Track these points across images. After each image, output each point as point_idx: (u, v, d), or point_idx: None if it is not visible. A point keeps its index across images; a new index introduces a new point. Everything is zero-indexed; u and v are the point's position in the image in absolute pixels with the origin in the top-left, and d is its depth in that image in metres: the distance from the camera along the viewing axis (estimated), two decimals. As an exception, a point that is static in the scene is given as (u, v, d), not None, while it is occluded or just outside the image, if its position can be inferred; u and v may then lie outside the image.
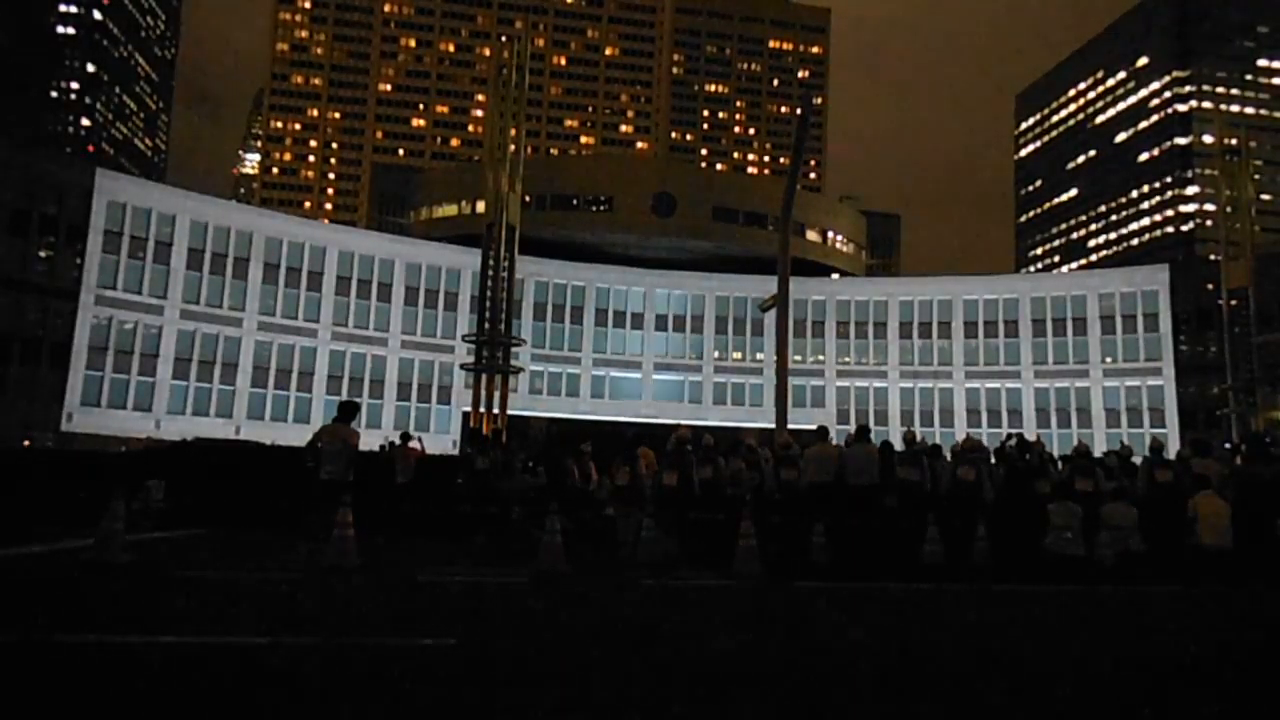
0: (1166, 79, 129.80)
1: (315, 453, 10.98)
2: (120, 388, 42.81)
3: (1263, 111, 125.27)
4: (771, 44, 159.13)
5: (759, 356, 55.66)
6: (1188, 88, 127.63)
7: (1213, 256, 60.83)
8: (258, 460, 18.34)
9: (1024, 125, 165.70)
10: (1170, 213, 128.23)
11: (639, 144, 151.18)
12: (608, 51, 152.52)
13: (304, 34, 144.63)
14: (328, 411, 47.04)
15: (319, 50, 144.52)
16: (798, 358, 53.16)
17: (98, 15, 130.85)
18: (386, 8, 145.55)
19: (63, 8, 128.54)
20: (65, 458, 21.42)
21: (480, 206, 46.63)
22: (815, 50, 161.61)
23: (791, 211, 21.72)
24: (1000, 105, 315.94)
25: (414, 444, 15.71)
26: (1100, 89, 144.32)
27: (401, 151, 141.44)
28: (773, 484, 12.48)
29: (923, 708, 4.89)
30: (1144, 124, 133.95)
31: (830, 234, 64.49)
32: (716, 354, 56.70)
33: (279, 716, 4.33)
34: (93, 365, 41.86)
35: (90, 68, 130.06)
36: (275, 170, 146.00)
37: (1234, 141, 51.75)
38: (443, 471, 16.13)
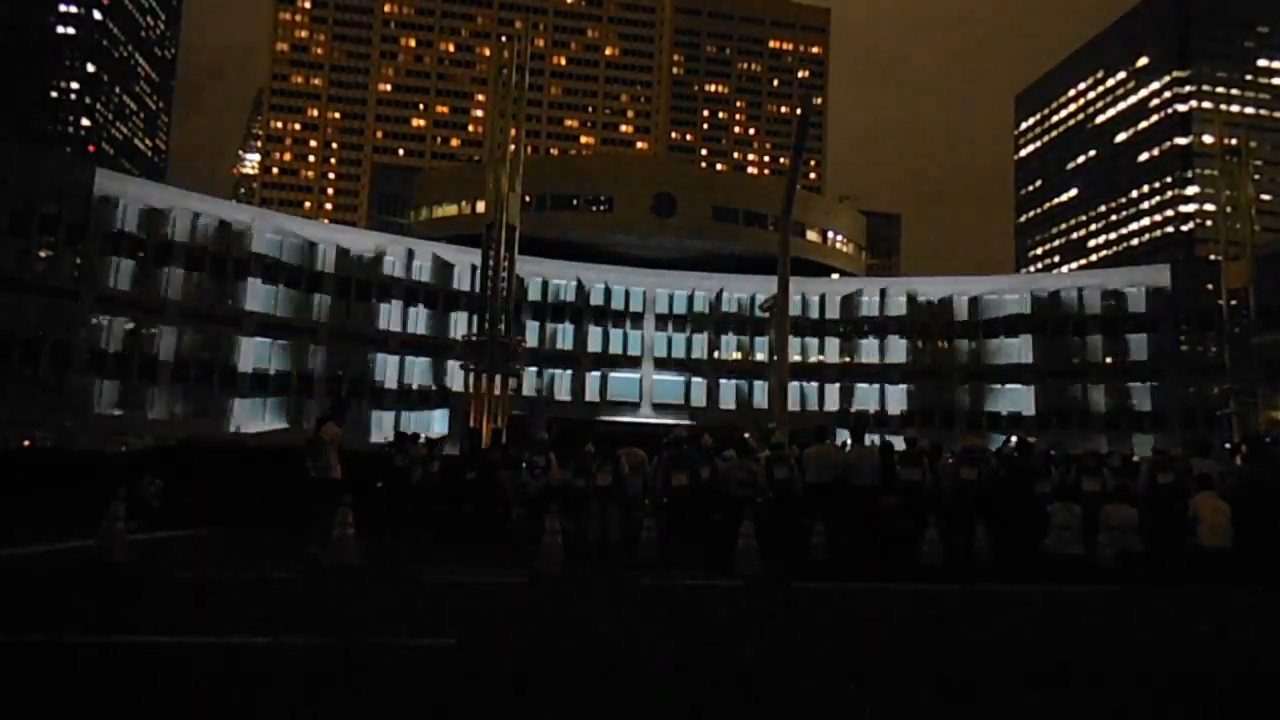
0: (1166, 79, 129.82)
1: (310, 453, 11.11)
2: (120, 388, 42.78)
3: (1263, 111, 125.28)
4: (771, 44, 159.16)
5: (759, 357, 55.66)
6: (1188, 88, 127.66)
7: (1213, 256, 60.83)
8: (257, 460, 18.33)
9: (1024, 125, 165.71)
10: (1170, 213, 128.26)
11: (639, 144, 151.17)
12: (608, 51, 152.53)
13: (304, 34, 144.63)
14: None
15: (319, 50, 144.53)
16: (798, 358, 53.20)
17: (98, 15, 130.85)
18: (386, 8, 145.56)
19: (63, 8, 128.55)
20: (65, 458, 21.38)
21: (480, 206, 46.61)
22: (815, 50, 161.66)
23: (791, 211, 21.73)
24: (1000, 105, 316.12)
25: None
26: (1100, 89, 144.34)
27: (401, 151, 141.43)
28: (765, 483, 12.46)
29: (921, 707, 4.89)
30: (1144, 124, 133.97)
31: (830, 234, 64.53)
32: (717, 354, 56.71)
33: (279, 716, 4.33)
34: (93, 366, 41.83)
35: (90, 68, 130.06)
36: (275, 170, 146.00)
37: (1234, 141, 51.68)
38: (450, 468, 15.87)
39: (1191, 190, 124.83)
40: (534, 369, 52.03)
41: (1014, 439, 14.51)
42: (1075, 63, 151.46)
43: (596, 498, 12.69)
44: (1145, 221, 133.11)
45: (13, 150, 47.88)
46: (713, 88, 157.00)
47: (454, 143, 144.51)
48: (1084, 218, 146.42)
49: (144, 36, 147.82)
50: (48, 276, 41.23)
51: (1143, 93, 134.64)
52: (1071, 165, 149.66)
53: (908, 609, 8.82)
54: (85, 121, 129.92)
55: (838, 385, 55.68)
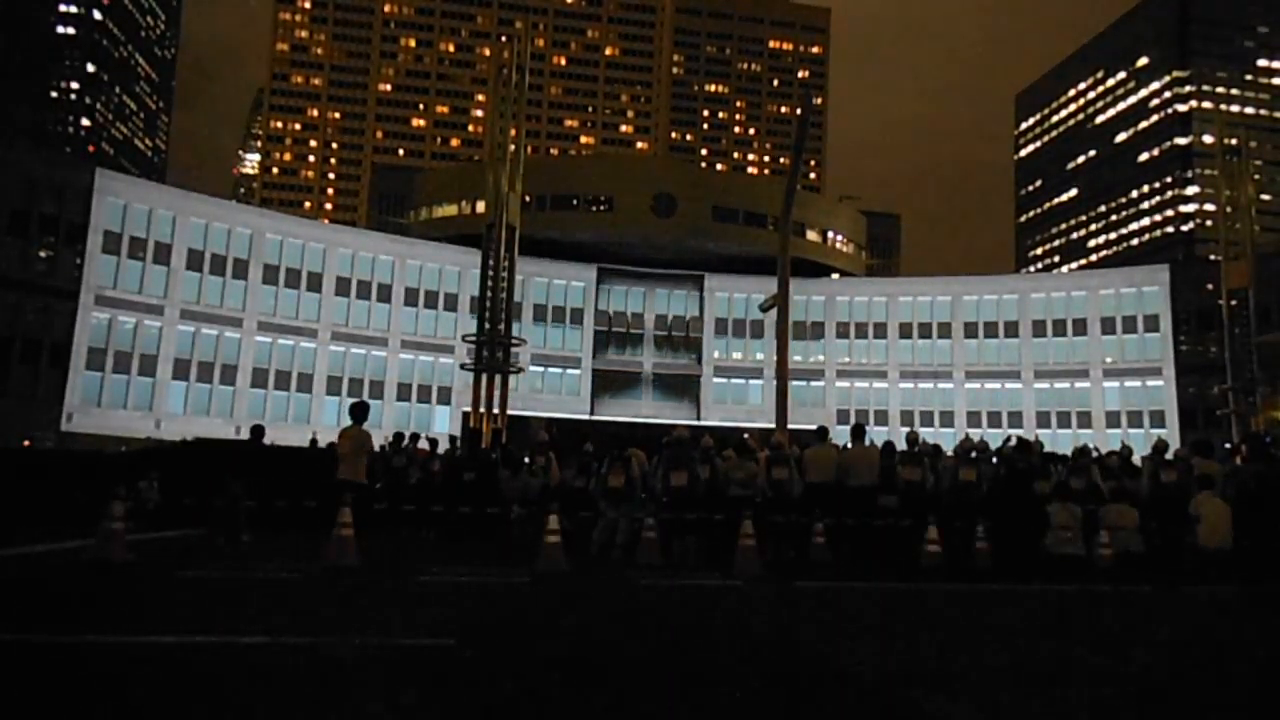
0: (1166, 79, 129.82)
1: (336, 456, 11.40)
2: (120, 388, 42.77)
3: (1263, 111, 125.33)
4: (771, 44, 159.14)
5: (759, 357, 55.65)
6: (1188, 88, 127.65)
7: (1213, 256, 60.82)
8: (257, 461, 18.27)
9: (1024, 125, 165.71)
10: (1170, 213, 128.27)
11: (639, 144, 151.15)
12: (608, 51, 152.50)
13: (304, 34, 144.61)
14: (328, 412, 47.05)
15: (319, 50, 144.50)
16: (798, 358, 53.18)
17: (98, 15, 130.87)
18: (386, 8, 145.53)
19: (63, 8, 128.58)
20: (65, 458, 21.38)
21: (480, 206, 46.59)
22: (815, 50, 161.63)
23: (791, 211, 21.71)
24: (1000, 105, 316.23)
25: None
26: (1100, 89, 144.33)
27: (401, 151, 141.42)
28: (765, 483, 12.48)
29: (922, 707, 4.89)
30: (1144, 124, 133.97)
31: (830, 234, 64.43)
32: (716, 354, 56.70)
33: (278, 716, 4.32)
34: (93, 365, 41.82)
35: (90, 68, 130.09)
36: (275, 170, 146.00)
37: (1234, 141, 51.67)
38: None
39: (1191, 190, 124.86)
40: (534, 369, 52.05)
41: (1014, 438, 14.50)
42: (1075, 63, 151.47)
43: (609, 499, 12.67)
44: (1145, 221, 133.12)
45: (13, 150, 47.89)
46: (713, 88, 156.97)
47: (454, 143, 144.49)
48: (1084, 218, 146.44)
49: (144, 36, 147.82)
50: (48, 276, 41.25)
51: (1143, 93, 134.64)
52: (1071, 165, 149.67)
53: (905, 608, 8.82)
54: (85, 121, 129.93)
55: (838, 385, 55.71)
